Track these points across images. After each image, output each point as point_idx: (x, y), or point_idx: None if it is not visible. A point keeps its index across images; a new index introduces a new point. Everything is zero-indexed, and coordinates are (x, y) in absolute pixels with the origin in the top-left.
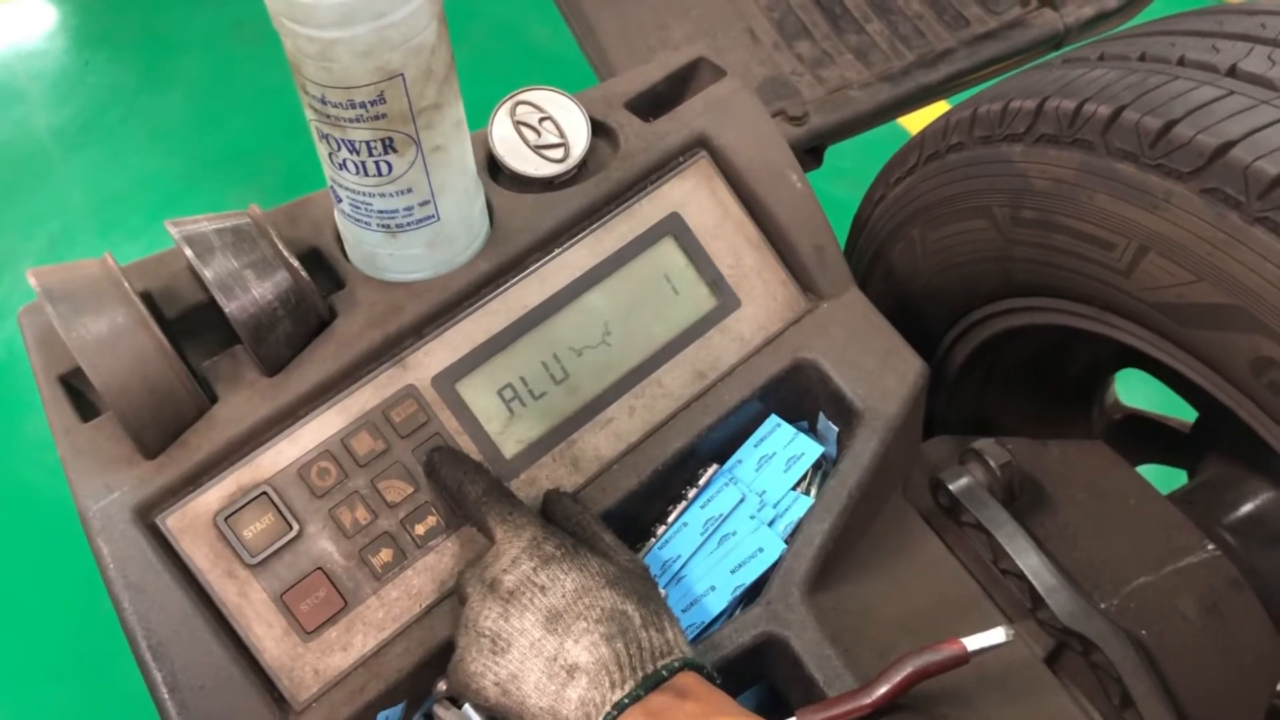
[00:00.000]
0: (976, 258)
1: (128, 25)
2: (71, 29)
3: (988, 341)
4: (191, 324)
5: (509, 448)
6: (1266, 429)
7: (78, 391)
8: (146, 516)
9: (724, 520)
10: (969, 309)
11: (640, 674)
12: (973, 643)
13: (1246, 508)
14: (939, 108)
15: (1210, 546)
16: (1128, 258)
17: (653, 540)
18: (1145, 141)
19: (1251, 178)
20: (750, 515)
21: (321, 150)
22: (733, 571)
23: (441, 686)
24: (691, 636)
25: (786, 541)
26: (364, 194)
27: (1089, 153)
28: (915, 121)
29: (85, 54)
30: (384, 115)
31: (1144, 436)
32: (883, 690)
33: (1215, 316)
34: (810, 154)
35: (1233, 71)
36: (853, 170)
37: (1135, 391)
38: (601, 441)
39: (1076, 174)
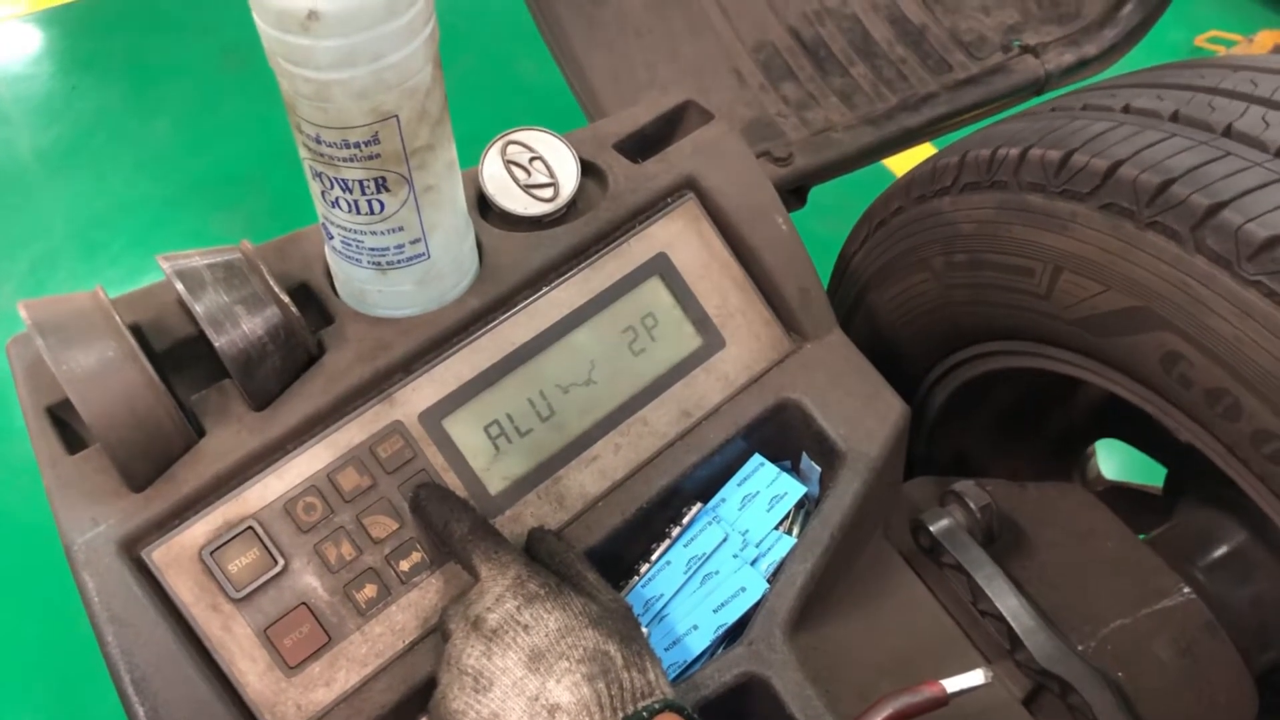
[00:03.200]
0: (923, 310)
1: (115, 50)
2: (59, 53)
3: (956, 395)
4: (180, 357)
5: (495, 484)
6: (1194, 435)
7: (65, 423)
8: (132, 550)
9: (707, 559)
10: (930, 363)
11: (621, 715)
12: (952, 684)
13: (1218, 549)
14: (920, 151)
15: (1185, 589)
16: (1045, 280)
17: (636, 578)
18: (1050, 171)
19: (1140, 189)
20: (733, 554)
21: (314, 188)
22: (715, 611)
23: None
24: (673, 676)
25: (769, 581)
26: (356, 231)
27: (1005, 191)
28: (898, 164)
29: (72, 78)
30: (378, 155)
31: (1127, 506)
32: None
33: (1125, 321)
34: (794, 194)
35: (1126, 109)
36: (835, 208)
37: (1115, 466)
38: (587, 479)
39: (995, 212)
